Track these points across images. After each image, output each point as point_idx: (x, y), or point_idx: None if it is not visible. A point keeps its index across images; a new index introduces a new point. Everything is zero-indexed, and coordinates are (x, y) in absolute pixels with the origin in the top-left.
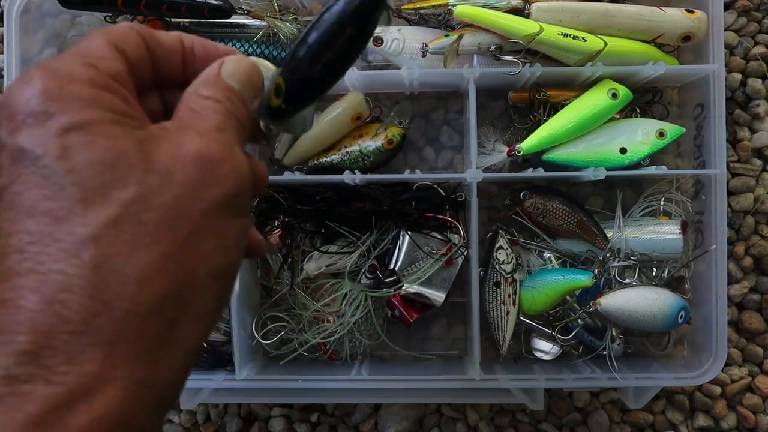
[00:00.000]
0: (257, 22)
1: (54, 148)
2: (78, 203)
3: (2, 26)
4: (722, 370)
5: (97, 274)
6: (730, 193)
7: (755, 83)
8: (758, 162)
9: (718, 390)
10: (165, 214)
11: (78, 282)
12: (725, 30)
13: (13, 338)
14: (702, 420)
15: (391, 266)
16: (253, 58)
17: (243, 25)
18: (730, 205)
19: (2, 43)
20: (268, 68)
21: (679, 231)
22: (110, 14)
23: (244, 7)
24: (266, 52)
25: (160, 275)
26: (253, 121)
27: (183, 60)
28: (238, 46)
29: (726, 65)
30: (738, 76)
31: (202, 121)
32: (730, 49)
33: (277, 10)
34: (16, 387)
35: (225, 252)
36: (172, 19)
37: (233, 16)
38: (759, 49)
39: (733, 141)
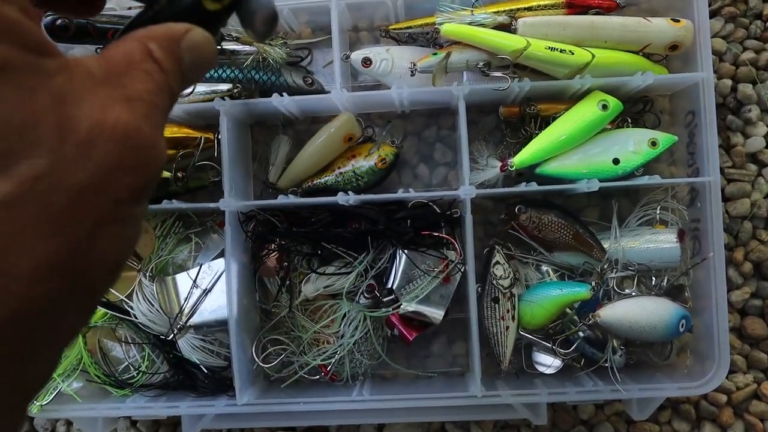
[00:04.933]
0: (247, 48)
1: None
2: None
3: None
4: (727, 378)
5: None
6: (726, 199)
7: (746, 89)
8: (753, 167)
9: (723, 398)
10: (75, 198)
11: None
12: (713, 37)
13: None
14: (709, 429)
15: (389, 285)
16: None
17: (233, 52)
18: (727, 211)
19: None
20: None
21: (675, 239)
22: (101, 46)
23: (233, 34)
24: (256, 77)
25: (54, 273)
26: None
27: None
28: (228, 72)
29: (716, 72)
30: (728, 82)
31: (136, 84)
32: (719, 55)
33: None
34: None
35: (126, 242)
36: None
37: (223, 43)
38: (748, 55)
39: (726, 147)
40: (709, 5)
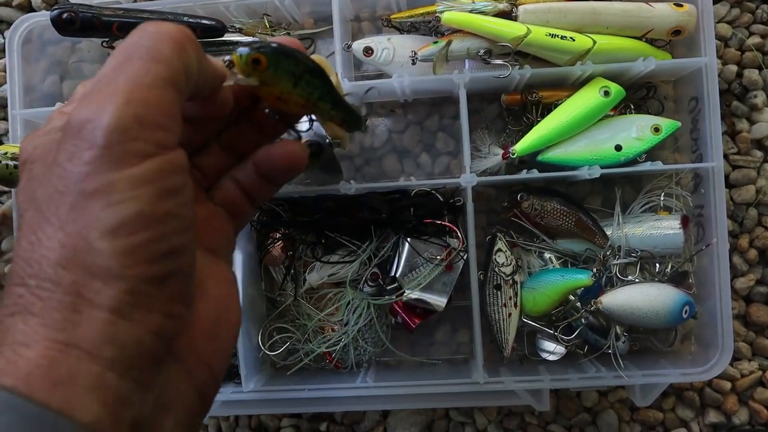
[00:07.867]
0: (250, 39)
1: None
2: None
3: (4, 57)
4: (732, 365)
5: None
6: (731, 186)
7: (752, 74)
8: (758, 153)
9: (728, 385)
10: (49, 194)
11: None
12: (718, 22)
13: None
14: (713, 416)
15: (392, 273)
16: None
17: (236, 43)
18: (732, 198)
19: (5, 72)
20: None
21: (679, 226)
22: (107, 39)
23: (236, 25)
24: None
25: (55, 248)
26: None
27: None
28: None
29: (721, 57)
30: (734, 68)
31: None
32: (724, 41)
33: (268, 26)
34: None
35: (116, 206)
36: None
37: (226, 35)
38: (754, 40)
39: (731, 133)
40: None
